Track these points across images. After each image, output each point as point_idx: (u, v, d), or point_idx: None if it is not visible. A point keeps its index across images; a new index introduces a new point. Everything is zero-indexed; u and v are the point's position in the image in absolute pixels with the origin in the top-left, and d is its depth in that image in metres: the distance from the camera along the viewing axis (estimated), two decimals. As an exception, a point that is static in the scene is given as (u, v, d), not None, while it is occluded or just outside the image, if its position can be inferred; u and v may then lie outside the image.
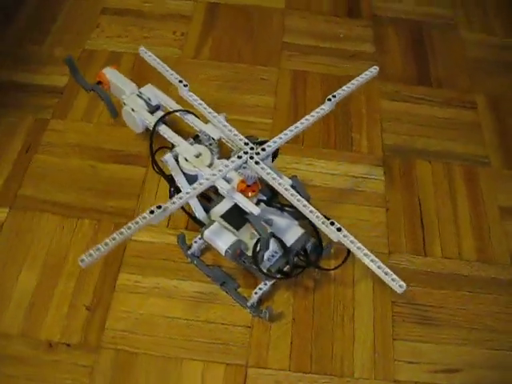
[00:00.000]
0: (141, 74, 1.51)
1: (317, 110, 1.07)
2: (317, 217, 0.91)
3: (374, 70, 1.13)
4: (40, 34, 1.62)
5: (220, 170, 0.95)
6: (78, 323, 1.11)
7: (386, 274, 0.85)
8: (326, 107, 1.07)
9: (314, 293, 1.17)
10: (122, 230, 0.85)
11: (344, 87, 1.09)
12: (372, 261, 0.86)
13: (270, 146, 1.01)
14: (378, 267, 0.85)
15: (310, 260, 1.11)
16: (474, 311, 1.17)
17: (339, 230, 0.89)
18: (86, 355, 1.07)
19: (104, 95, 1.17)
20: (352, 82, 1.10)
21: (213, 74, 1.55)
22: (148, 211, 0.87)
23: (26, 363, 1.05)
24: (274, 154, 1.15)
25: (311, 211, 0.92)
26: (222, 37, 1.65)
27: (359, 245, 0.88)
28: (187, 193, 0.91)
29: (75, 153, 1.36)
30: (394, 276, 0.84)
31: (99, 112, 1.43)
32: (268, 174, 0.96)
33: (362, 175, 1.37)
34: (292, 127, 1.03)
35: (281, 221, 1.10)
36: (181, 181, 1.06)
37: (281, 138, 1.02)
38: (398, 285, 0.84)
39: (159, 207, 0.87)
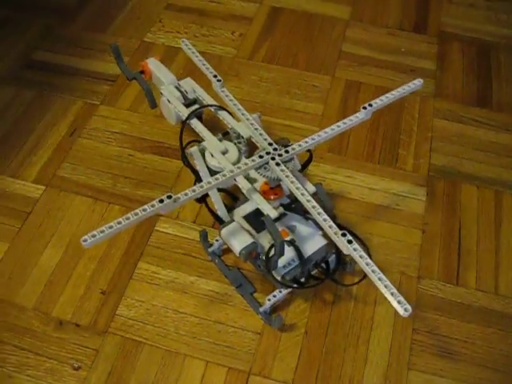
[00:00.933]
0: (193, 71, 1.52)
1: (351, 117, 1.02)
2: (329, 226, 0.87)
3: (417, 83, 1.07)
4: (105, 23, 1.68)
5: (239, 168, 0.93)
6: (91, 306, 1.11)
7: (393, 294, 0.79)
8: (360, 115, 1.02)
9: (331, 308, 1.12)
10: (129, 215, 0.84)
11: (383, 97, 1.04)
12: (380, 279, 0.81)
13: (294, 149, 0.97)
14: (385, 286, 0.80)
15: (328, 273, 1.07)
16: (502, 351, 1.09)
17: (350, 242, 0.84)
18: (93, 338, 1.07)
19: (144, 84, 1.18)
20: (392, 92, 1.05)
21: (264, 77, 1.54)
22: (157, 200, 0.86)
23: (35, 337, 1.07)
24: (308, 161, 1.12)
25: (325, 219, 0.88)
26: (280, 41, 1.64)
27: (368, 260, 0.83)
28: (201, 186, 0.89)
29: (117, 140, 1.38)
30: (401, 298, 0.79)
31: (146, 103, 1.43)
32: (287, 176, 0.93)
33: (402, 193, 1.31)
34: (321, 132, 1.00)
35: (304, 229, 1.06)
36: (205, 175, 1.05)
37: (307, 142, 0.98)
38: (403, 308, 0.78)
39: (169, 197, 0.86)
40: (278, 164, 0.95)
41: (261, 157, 0.96)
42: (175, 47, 1.60)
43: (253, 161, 0.95)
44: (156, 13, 1.70)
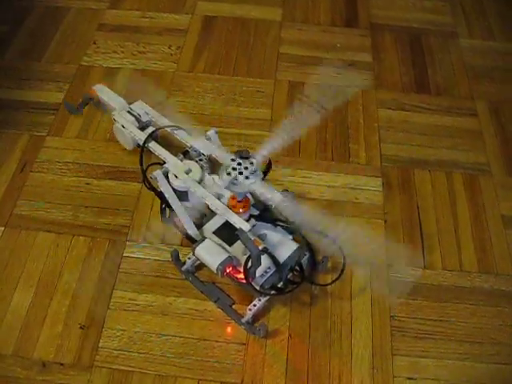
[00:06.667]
0: (136, 90, 1.51)
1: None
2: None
3: None
4: (39, 51, 1.64)
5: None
6: (72, 342, 1.09)
7: None
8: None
9: (310, 308, 1.15)
10: None
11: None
12: None
13: (257, 160, 0.98)
14: None
15: (304, 275, 1.09)
16: (476, 324, 1.15)
17: None
18: (79, 375, 1.06)
19: (96, 104, 1.17)
20: None
21: (208, 88, 1.55)
22: None
23: (19, 384, 1.05)
24: (267, 168, 1.14)
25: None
26: (218, 50, 1.65)
27: None
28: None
29: (71, 170, 1.35)
30: None
31: (94, 128, 1.43)
32: (256, 189, 0.95)
33: (359, 186, 1.35)
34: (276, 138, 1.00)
35: (274, 236, 1.08)
36: (171, 197, 1.05)
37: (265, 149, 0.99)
38: None
39: None
40: (247, 178, 0.96)
41: (228, 174, 0.97)
42: (114, 67, 1.58)
43: (223, 181, 0.96)
44: (89, 35, 1.67)
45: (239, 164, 0.98)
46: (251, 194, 1.06)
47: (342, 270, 1.10)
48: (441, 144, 1.45)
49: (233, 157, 0.99)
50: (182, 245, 1.22)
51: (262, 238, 1.07)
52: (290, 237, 1.09)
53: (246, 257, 1.01)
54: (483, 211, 1.32)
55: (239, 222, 0.99)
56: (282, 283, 1.08)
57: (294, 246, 1.08)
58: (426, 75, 1.61)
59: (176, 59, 1.62)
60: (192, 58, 1.62)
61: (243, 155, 1.03)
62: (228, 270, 1.05)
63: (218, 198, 1.04)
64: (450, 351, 1.11)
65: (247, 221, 1.02)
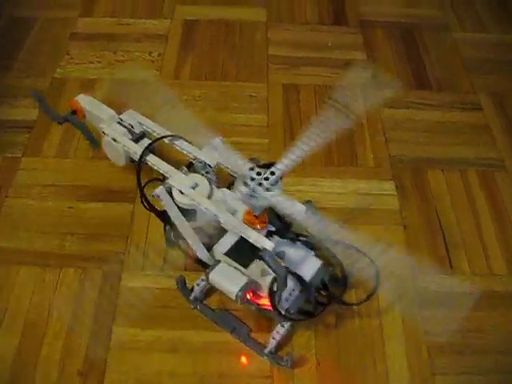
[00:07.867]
0: (117, 101, 1.38)
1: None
2: None
3: None
4: (8, 64, 1.49)
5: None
6: (71, 392, 0.95)
7: None
8: None
9: (337, 330, 1.03)
10: None
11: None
12: None
13: (279, 170, 0.86)
14: None
15: (332, 295, 0.98)
16: (515, 332, 1.05)
17: None
18: (82, 430, 0.92)
19: (79, 124, 1.03)
20: None
21: (197, 95, 1.43)
22: None
23: None
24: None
25: None
26: (203, 54, 1.53)
27: None
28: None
29: (51, 194, 1.21)
30: None
31: (75, 146, 1.29)
32: (279, 202, 0.83)
33: (371, 192, 1.25)
34: (303, 144, 0.88)
35: (294, 252, 0.96)
36: (177, 217, 0.92)
37: (291, 158, 0.87)
38: None
39: None
40: (267, 189, 0.84)
41: (245, 184, 0.84)
42: (91, 79, 1.45)
43: (240, 192, 0.83)
44: (62, 45, 1.54)
45: (258, 174, 0.86)
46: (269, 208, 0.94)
47: (376, 288, 0.99)
48: (449, 141, 1.36)
49: (251, 165, 0.86)
50: (186, 270, 1.09)
51: (281, 255, 0.95)
52: (312, 253, 0.97)
53: (269, 279, 0.89)
54: (504, 208, 1.24)
55: (261, 241, 0.87)
56: (311, 305, 0.96)
57: (317, 262, 0.96)
58: (423, 71, 1.53)
59: (158, 66, 1.49)
60: (176, 65, 1.50)
61: (254, 163, 0.90)
62: (248, 296, 0.92)
63: (232, 214, 0.91)
64: (495, 365, 1.00)
65: (270, 239, 0.89)
